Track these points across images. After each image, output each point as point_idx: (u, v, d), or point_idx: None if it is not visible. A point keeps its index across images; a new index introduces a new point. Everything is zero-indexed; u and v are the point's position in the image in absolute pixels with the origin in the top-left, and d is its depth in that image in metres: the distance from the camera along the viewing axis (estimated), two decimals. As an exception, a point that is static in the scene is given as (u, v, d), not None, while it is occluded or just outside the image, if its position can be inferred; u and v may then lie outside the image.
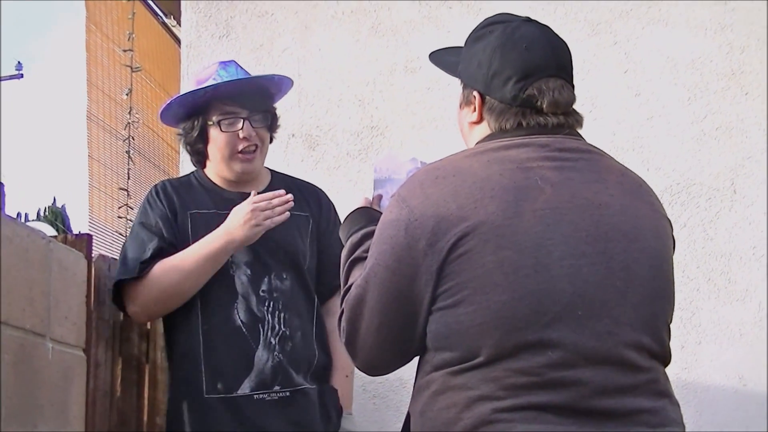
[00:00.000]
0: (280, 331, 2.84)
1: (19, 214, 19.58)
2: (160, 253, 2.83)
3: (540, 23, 2.03)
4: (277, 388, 2.82)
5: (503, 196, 1.81)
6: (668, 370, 1.92)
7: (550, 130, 1.93)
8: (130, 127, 6.85)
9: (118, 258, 3.03)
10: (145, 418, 3.47)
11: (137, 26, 6.84)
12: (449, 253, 1.79)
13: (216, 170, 2.97)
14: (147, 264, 2.83)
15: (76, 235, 3.00)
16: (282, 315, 2.86)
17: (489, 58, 1.96)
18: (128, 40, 6.78)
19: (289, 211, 2.83)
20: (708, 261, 3.93)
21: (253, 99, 2.91)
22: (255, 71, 4.25)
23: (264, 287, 2.86)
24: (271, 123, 2.98)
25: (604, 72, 4.11)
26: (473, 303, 1.77)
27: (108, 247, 6.43)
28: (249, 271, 2.85)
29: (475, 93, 1.99)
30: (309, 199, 3.04)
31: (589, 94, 4.08)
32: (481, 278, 1.77)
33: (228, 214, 2.84)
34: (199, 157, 2.98)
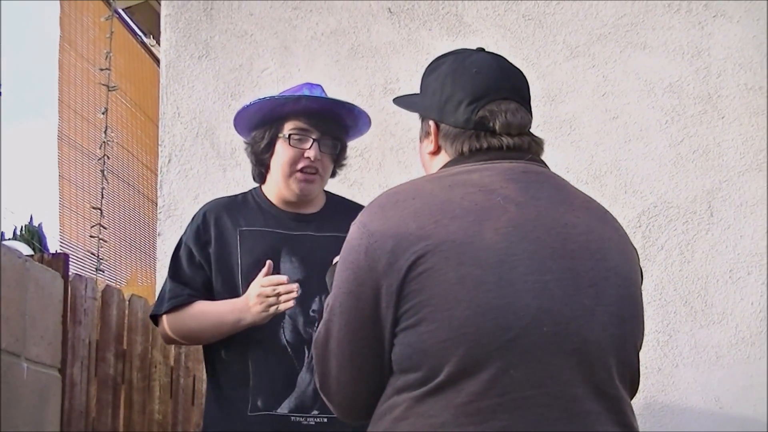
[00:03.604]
0: None
1: (-6, 233, 19.42)
2: (182, 297, 2.86)
3: (492, 52, 2.04)
4: (315, 412, 2.78)
5: (465, 217, 1.79)
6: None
7: (506, 152, 1.92)
8: (105, 146, 6.82)
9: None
10: (121, 439, 3.45)
11: (114, 45, 6.83)
12: (409, 271, 1.76)
13: (274, 188, 2.95)
14: (169, 306, 2.86)
15: (53, 254, 2.98)
16: None
17: (441, 85, 1.97)
18: (105, 59, 6.76)
19: (344, 233, 2.86)
20: (685, 284, 3.94)
21: (328, 124, 2.90)
22: (238, 91, 4.27)
23: (315, 307, 2.83)
24: (338, 154, 2.96)
25: (582, 95, 4.14)
26: (436, 320, 1.74)
27: (79, 266, 6.41)
28: (298, 294, 2.78)
29: (430, 122, 1.99)
30: None
31: (567, 117, 4.11)
32: (443, 295, 1.74)
33: (276, 231, 2.88)
34: (262, 170, 2.96)
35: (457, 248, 1.76)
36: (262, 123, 2.92)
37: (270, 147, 2.91)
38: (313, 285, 2.82)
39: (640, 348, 1.91)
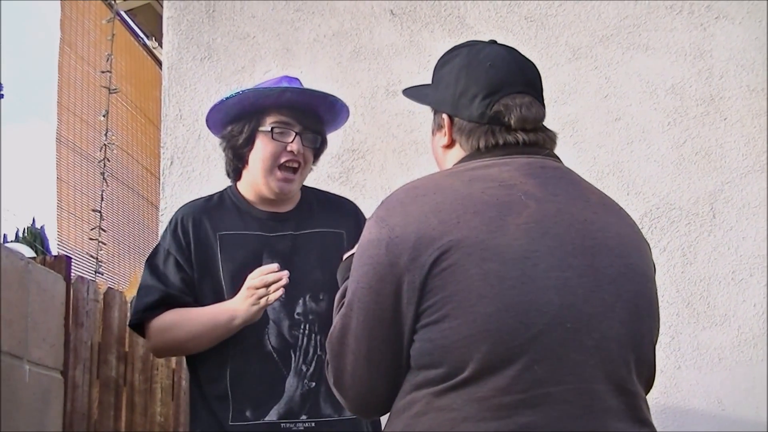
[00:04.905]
0: (316, 356, 2.74)
1: (-5, 236, 19.39)
2: (165, 302, 2.74)
3: (506, 45, 2.03)
4: (303, 417, 2.71)
5: (486, 212, 1.79)
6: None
7: (522, 148, 1.91)
8: (105, 148, 6.81)
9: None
10: (123, 441, 3.44)
11: (116, 47, 6.82)
12: (432, 267, 1.75)
13: (251, 184, 2.85)
14: (150, 312, 2.73)
15: (55, 256, 2.97)
16: (318, 338, 2.75)
17: (455, 78, 1.96)
18: (107, 61, 6.76)
19: (324, 228, 2.81)
20: (687, 285, 3.94)
21: (310, 117, 2.84)
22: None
23: (299, 309, 2.76)
24: (318, 148, 2.90)
25: (585, 96, 4.14)
26: (459, 316, 1.73)
27: (78, 269, 6.40)
28: (282, 294, 2.71)
29: (444, 116, 1.98)
30: (344, 215, 2.93)
31: (570, 119, 4.10)
32: (466, 291, 1.73)
33: (256, 234, 2.79)
34: (238, 165, 2.86)
35: (480, 244, 1.75)
36: (239, 116, 2.83)
37: (249, 141, 2.81)
38: (295, 287, 2.75)
39: (656, 343, 1.92)
